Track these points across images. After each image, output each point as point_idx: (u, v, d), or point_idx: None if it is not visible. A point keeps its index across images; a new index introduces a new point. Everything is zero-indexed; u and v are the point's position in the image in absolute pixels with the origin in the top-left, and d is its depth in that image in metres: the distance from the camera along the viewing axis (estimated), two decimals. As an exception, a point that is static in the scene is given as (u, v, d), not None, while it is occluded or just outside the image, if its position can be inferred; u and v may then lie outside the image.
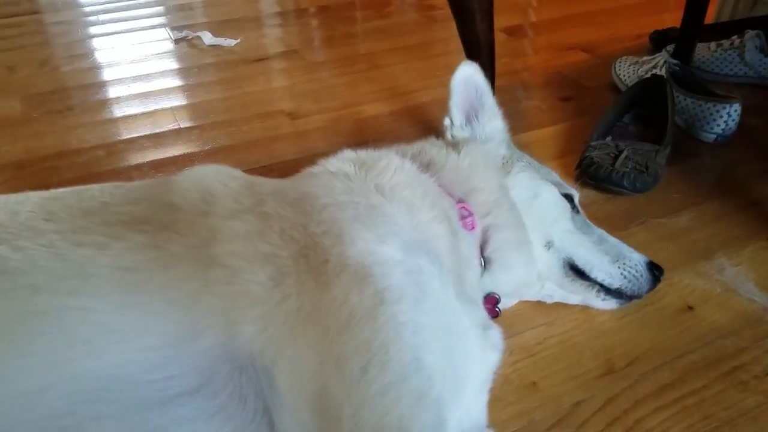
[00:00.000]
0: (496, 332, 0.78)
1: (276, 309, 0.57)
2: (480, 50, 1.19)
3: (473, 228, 0.86)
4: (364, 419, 0.54)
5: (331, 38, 2.28)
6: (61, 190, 0.69)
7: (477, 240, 0.87)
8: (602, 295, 0.94)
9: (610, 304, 0.96)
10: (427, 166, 0.88)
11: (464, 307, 0.71)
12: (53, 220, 0.60)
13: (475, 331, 0.72)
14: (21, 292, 0.53)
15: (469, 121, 0.98)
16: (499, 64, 1.91)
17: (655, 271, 0.95)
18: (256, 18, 2.48)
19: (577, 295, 0.96)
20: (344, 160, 0.84)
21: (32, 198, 0.64)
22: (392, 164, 0.82)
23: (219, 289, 0.57)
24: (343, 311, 0.57)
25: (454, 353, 0.65)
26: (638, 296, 0.95)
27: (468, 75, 0.95)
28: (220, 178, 0.68)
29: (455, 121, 0.97)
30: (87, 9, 2.64)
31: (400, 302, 0.60)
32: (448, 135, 0.98)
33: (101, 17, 2.50)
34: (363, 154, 0.86)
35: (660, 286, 0.99)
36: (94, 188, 0.67)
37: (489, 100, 0.97)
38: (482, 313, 0.80)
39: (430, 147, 0.92)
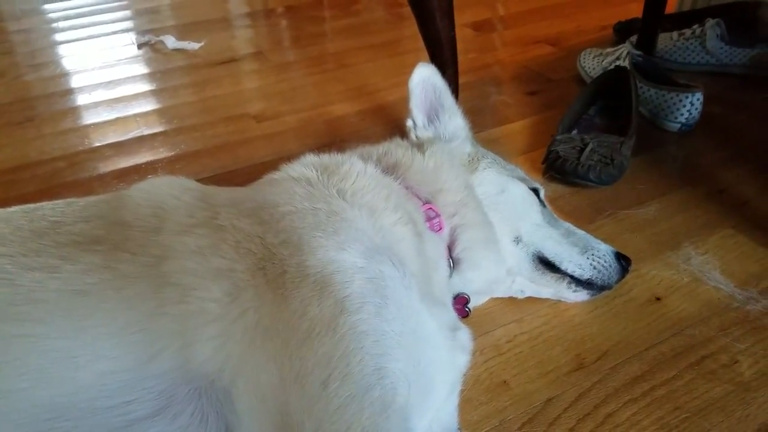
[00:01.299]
0: (464, 333, 0.77)
1: (233, 326, 0.56)
2: (442, 48, 1.19)
3: (441, 229, 0.85)
4: None
5: (299, 38, 2.27)
6: (11, 209, 0.66)
7: (444, 241, 0.86)
8: (573, 286, 0.94)
9: (581, 295, 0.96)
10: (392, 168, 0.87)
11: (431, 309, 0.70)
12: (3, 243, 0.58)
13: (442, 334, 0.71)
14: None
15: (431, 121, 0.98)
16: (466, 59, 1.93)
17: (622, 261, 0.96)
18: (222, 20, 2.46)
19: (548, 288, 0.96)
20: (306, 165, 0.82)
21: None
22: (355, 168, 0.81)
23: (172, 309, 0.55)
24: (303, 324, 0.56)
25: (419, 359, 0.64)
26: (608, 287, 0.95)
27: (425, 76, 0.94)
28: (172, 192, 0.66)
29: (417, 122, 0.96)
30: (50, 16, 2.59)
31: (360, 311, 0.58)
32: (412, 136, 0.97)
33: (62, 24, 2.46)
34: (326, 158, 0.85)
35: (628, 277, 0.99)
36: (46, 206, 0.65)
37: (448, 99, 0.97)
38: (451, 315, 0.80)
39: (396, 148, 0.91)
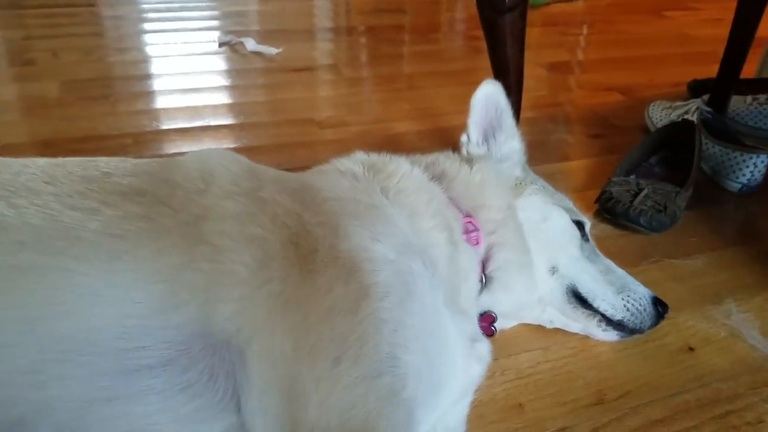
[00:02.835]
0: (483, 345, 0.77)
1: (257, 291, 0.57)
2: (508, 73, 1.21)
3: (478, 243, 0.86)
4: (330, 409, 0.54)
5: (375, 57, 2.33)
6: (68, 159, 0.69)
7: (478, 255, 0.87)
8: (603, 325, 0.93)
9: (610, 335, 0.94)
10: (438, 177, 0.88)
11: (454, 315, 0.71)
12: (52, 183, 0.60)
13: (460, 341, 0.71)
14: (8, 247, 0.53)
15: (486, 139, 0.99)
16: (535, 97, 1.94)
17: (659, 307, 0.94)
18: (304, 31, 2.55)
19: (577, 323, 0.95)
20: (355, 161, 0.85)
21: (39, 162, 0.64)
22: (401, 169, 0.83)
23: (203, 266, 0.57)
24: (325, 301, 0.58)
25: (433, 357, 0.64)
26: (640, 331, 0.94)
27: (489, 93, 0.95)
28: (223, 161, 0.69)
29: (472, 138, 0.97)
30: (142, 6, 2.74)
31: (384, 299, 0.60)
32: (464, 151, 0.99)
33: (152, 15, 2.60)
34: (375, 157, 0.88)
35: (663, 324, 0.97)
36: (101, 160, 0.67)
37: (508, 120, 0.97)
38: (473, 327, 0.80)
39: (444, 159, 0.93)
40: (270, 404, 0.56)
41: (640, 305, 0.92)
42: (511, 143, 0.99)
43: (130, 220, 0.58)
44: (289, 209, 0.64)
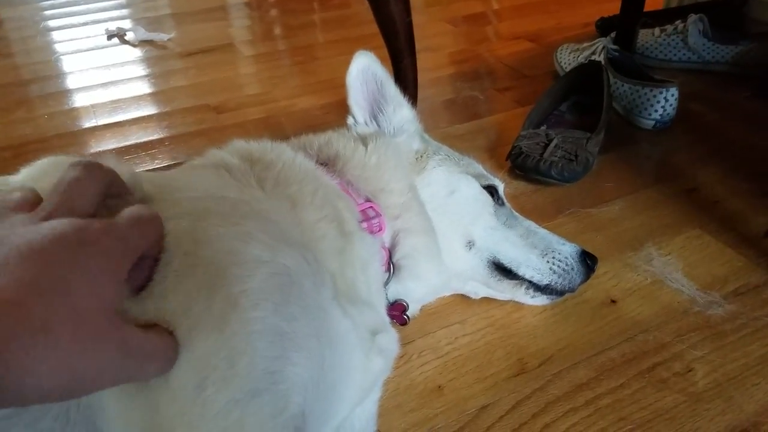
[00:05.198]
0: (387, 336, 0.69)
1: None
2: (397, 35, 1.12)
3: (381, 230, 0.78)
4: None
5: (278, 31, 2.21)
6: None
7: (380, 243, 0.79)
8: (531, 292, 0.87)
9: (540, 300, 0.89)
10: (332, 160, 0.80)
11: (348, 309, 0.63)
12: None
13: (357, 335, 0.63)
14: None
15: (374, 116, 0.90)
16: (441, 55, 1.87)
17: (588, 260, 0.89)
18: (202, 11, 2.40)
19: (504, 293, 0.89)
20: (232, 152, 0.75)
21: None
22: (282, 158, 0.74)
23: None
24: (183, 322, 0.49)
25: (323, 362, 0.56)
26: (571, 290, 0.88)
27: (363, 66, 0.86)
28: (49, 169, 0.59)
29: (358, 119, 0.88)
30: (37, 5, 2.55)
31: (257, 308, 0.50)
32: (354, 133, 0.89)
33: (41, 14, 2.41)
34: (254, 145, 0.78)
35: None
36: None
37: (391, 89, 0.89)
38: (376, 317, 0.72)
39: (338, 138, 0.84)
40: None
41: (567, 265, 0.87)
42: (401, 113, 0.91)
43: None
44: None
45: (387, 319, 0.74)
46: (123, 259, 0.42)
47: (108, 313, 0.39)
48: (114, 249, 0.41)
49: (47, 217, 0.41)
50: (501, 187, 0.92)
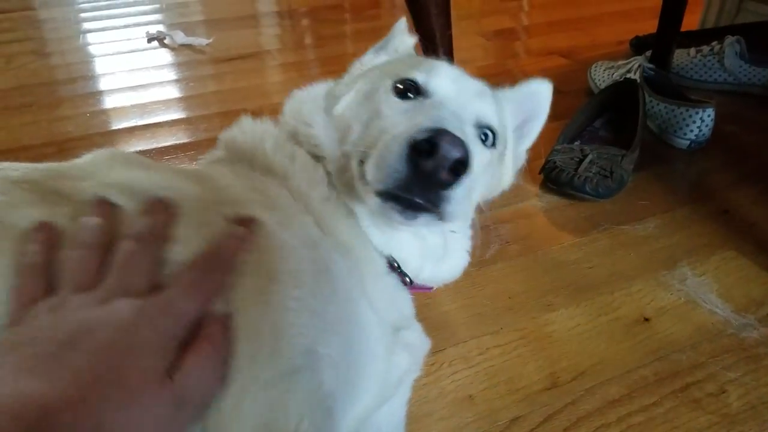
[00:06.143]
0: (412, 332, 0.68)
1: None
2: (436, 47, 1.13)
3: None
4: (245, 412, 0.47)
5: (313, 40, 2.24)
6: None
7: None
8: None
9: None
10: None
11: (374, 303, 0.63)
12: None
13: (382, 329, 0.63)
14: None
15: None
16: (477, 68, 1.88)
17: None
18: (240, 18, 2.45)
19: None
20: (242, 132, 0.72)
21: None
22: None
23: None
24: (235, 294, 0.50)
25: (351, 348, 0.57)
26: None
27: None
28: (109, 158, 0.61)
29: None
30: (80, 6, 2.62)
31: (297, 287, 0.53)
32: None
33: (88, 15, 2.48)
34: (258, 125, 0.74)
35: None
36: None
37: None
38: (398, 314, 0.68)
39: None
40: None
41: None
42: None
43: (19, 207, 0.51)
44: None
45: (411, 314, 0.71)
46: (177, 329, 0.46)
47: (159, 378, 0.43)
48: (169, 326, 0.45)
49: (106, 299, 0.46)
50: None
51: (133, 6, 2.59)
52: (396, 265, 0.69)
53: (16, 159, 1.35)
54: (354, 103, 0.69)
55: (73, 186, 0.55)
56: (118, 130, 1.52)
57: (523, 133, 0.83)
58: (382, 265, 0.65)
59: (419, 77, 0.66)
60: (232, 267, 0.50)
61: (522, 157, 0.83)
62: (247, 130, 0.69)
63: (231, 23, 2.37)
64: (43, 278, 0.48)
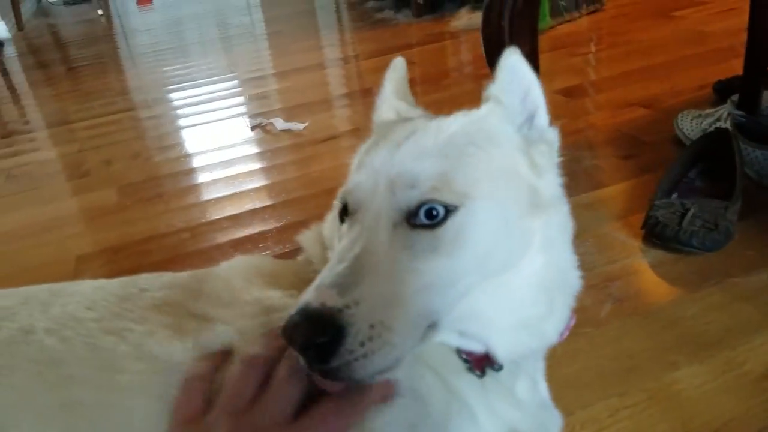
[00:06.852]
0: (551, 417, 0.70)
1: None
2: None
3: None
4: None
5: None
6: (110, 280, 0.69)
7: None
8: None
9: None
10: None
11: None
12: (93, 308, 0.61)
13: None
14: (61, 382, 0.55)
15: None
16: (557, 125, 1.94)
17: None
18: (323, 101, 2.61)
19: None
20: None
21: (84, 287, 0.66)
22: None
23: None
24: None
25: None
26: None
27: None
28: (244, 274, 0.67)
29: None
30: (175, 104, 2.87)
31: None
32: None
33: (185, 111, 2.71)
34: None
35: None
36: (141, 277, 0.68)
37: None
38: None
39: None
40: None
41: None
42: None
43: (156, 334, 0.58)
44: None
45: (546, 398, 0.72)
46: None
47: None
48: None
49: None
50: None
51: (221, 100, 2.81)
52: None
53: (159, 246, 1.51)
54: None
55: (216, 314, 0.60)
56: (241, 213, 1.67)
57: (531, 114, 0.64)
58: None
59: (341, 193, 0.60)
60: (364, 416, 0.52)
61: (549, 135, 0.65)
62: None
63: (310, 108, 2.50)
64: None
